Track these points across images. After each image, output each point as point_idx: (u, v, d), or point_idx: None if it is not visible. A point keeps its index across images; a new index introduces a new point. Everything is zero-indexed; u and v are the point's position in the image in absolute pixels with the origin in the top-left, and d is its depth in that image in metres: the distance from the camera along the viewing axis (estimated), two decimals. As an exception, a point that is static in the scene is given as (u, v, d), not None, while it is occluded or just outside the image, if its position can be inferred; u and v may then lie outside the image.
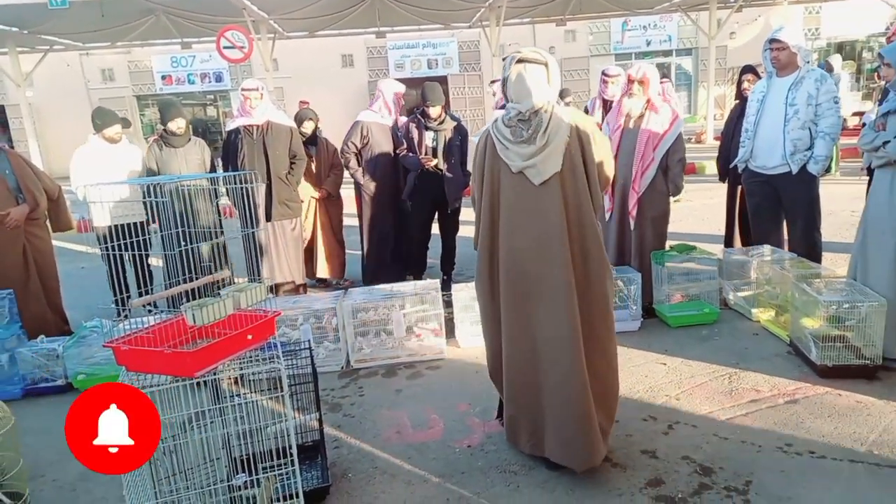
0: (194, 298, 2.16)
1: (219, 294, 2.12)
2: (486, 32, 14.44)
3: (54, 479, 2.93)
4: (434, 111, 4.98)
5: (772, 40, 4.15)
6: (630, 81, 4.27)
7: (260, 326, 2.15)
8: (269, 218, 4.90)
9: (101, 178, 5.00)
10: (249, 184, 2.49)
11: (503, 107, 2.66)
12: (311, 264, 5.53)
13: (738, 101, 5.18)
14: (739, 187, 4.92)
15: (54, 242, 4.97)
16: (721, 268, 4.53)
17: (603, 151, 2.64)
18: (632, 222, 4.35)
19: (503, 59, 2.72)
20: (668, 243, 4.53)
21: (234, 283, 2.50)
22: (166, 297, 2.21)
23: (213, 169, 5.15)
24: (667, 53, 21.16)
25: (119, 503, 2.15)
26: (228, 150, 4.92)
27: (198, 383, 2.10)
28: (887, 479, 2.47)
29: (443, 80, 18.93)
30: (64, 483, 2.90)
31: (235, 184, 3.61)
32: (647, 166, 4.25)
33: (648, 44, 20.89)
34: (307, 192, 5.34)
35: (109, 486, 2.75)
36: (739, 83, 5.11)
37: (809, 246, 4.24)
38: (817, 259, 4.25)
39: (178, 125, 4.91)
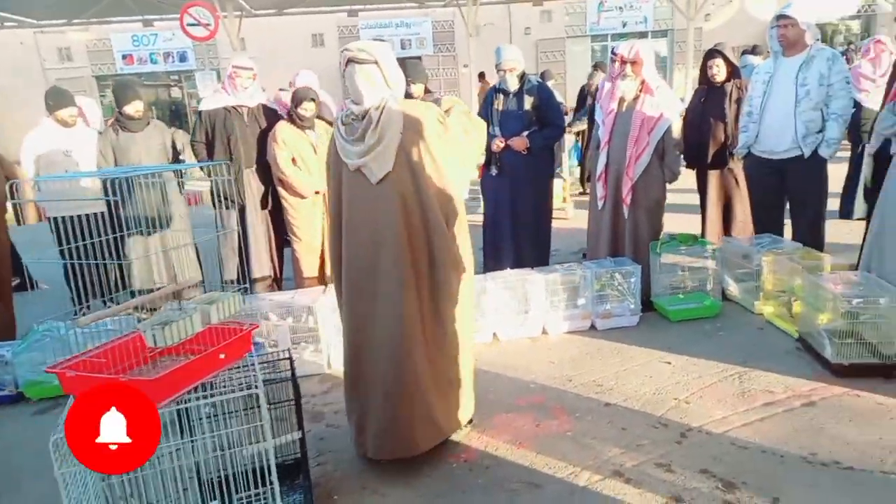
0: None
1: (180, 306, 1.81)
2: (461, 12, 14.01)
3: None
4: (416, 89, 4.65)
5: (780, 17, 3.93)
6: (622, 62, 4.01)
7: (234, 343, 1.84)
8: (264, 206, 4.54)
9: (54, 165, 4.61)
10: (226, 177, 2.19)
11: None
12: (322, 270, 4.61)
13: (702, 86, 4.86)
14: (712, 173, 4.78)
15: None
16: (720, 258, 4.33)
17: (452, 146, 2.56)
18: (626, 210, 4.13)
19: (341, 54, 2.56)
20: (666, 231, 4.31)
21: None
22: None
23: (177, 152, 4.70)
24: (642, 35, 20.95)
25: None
26: (214, 129, 4.39)
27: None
28: (924, 492, 2.29)
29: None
30: None
31: (219, 175, 3.29)
32: (641, 151, 4.02)
33: (624, 25, 20.62)
34: (311, 187, 4.31)
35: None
36: (704, 67, 4.74)
37: (815, 234, 4.07)
38: (820, 248, 4.07)
39: (135, 108, 4.46)
